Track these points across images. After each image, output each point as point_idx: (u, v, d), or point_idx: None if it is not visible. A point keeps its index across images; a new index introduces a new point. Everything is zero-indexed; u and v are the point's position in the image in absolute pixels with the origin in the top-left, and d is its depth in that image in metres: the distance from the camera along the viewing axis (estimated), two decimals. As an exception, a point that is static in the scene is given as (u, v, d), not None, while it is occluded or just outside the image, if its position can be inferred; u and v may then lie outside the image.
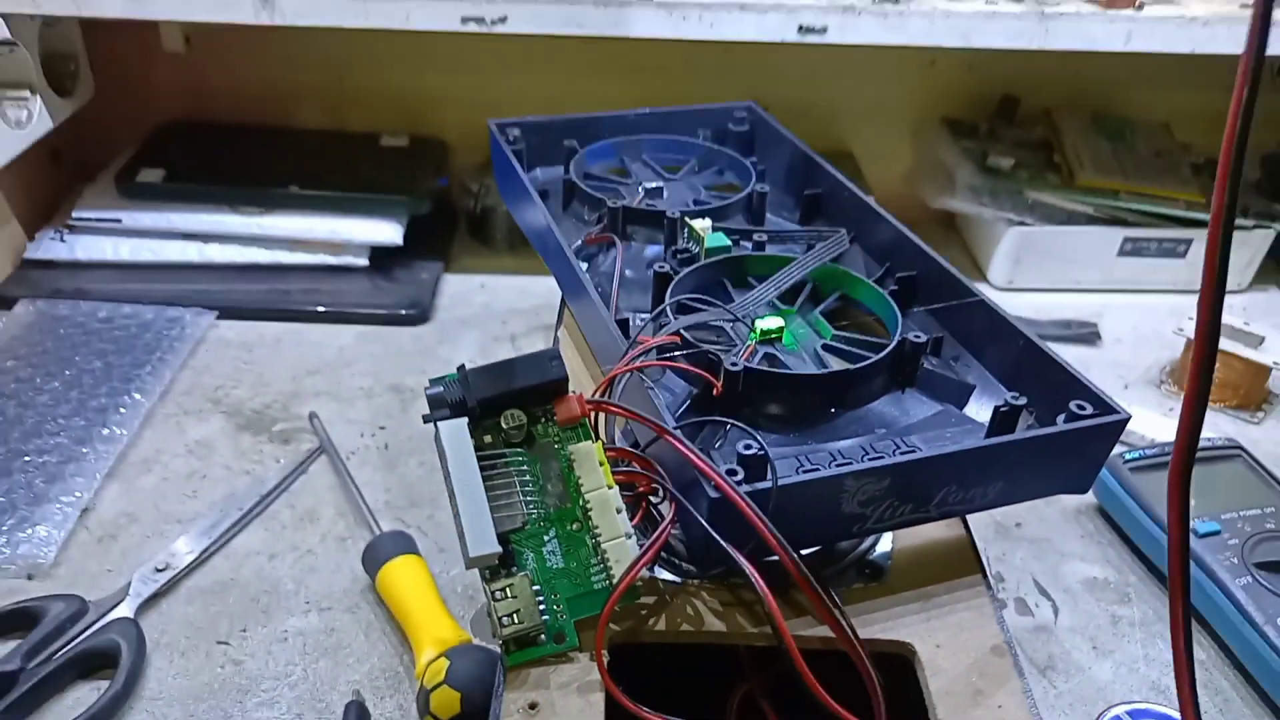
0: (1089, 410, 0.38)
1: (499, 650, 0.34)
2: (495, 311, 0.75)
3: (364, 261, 0.76)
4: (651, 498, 0.37)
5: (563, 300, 0.56)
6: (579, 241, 0.54)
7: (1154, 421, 0.63)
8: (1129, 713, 0.42)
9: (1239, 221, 0.77)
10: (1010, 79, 0.87)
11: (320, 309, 0.72)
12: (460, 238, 0.84)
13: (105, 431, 0.59)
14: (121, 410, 0.61)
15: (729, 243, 0.50)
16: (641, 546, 0.34)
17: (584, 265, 0.50)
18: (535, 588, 0.34)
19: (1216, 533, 0.50)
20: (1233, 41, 0.66)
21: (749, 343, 0.43)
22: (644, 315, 0.45)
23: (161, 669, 0.46)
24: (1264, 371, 0.66)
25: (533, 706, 0.32)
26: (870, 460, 0.36)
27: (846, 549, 0.40)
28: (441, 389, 0.37)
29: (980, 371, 0.45)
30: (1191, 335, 0.64)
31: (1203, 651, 0.49)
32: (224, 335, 0.70)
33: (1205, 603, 0.49)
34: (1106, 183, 0.78)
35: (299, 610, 0.49)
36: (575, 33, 0.65)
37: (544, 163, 0.62)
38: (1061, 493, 0.40)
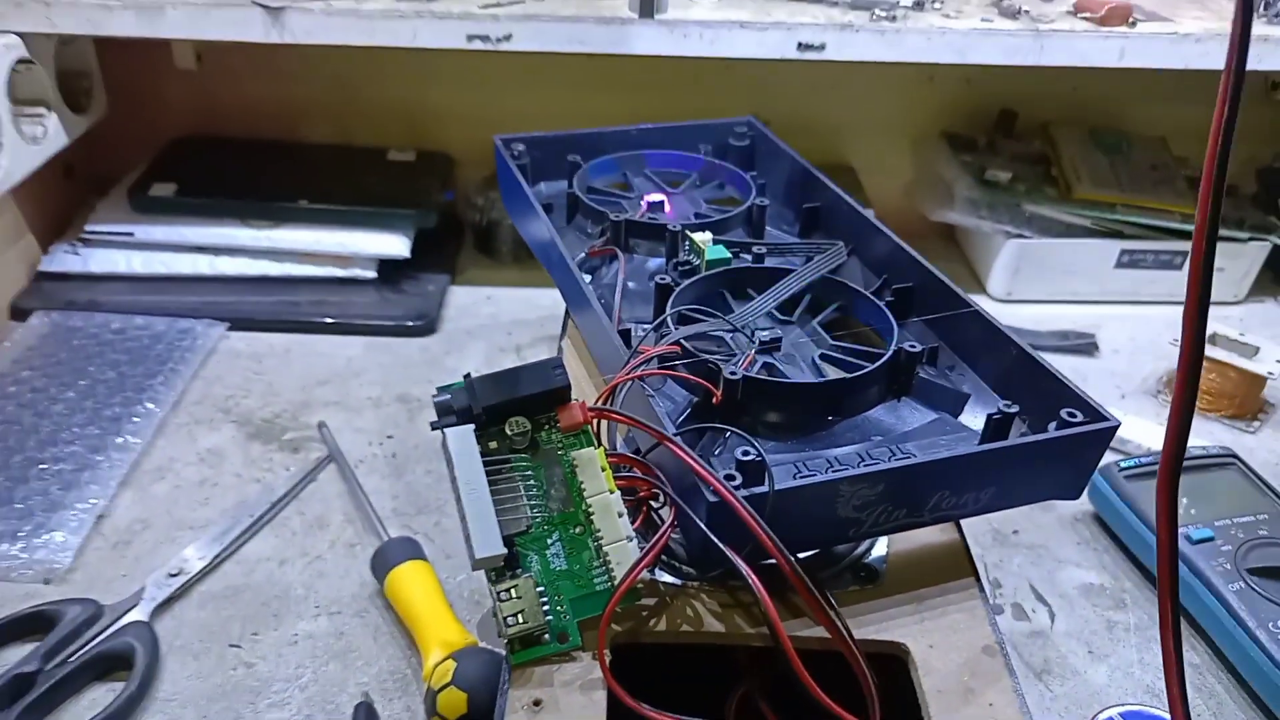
0: (1079, 417, 0.39)
1: (504, 649, 0.35)
2: (501, 323, 0.76)
3: (372, 274, 0.77)
4: (652, 502, 0.38)
5: (566, 311, 0.57)
6: (582, 254, 0.55)
7: (1150, 430, 0.64)
8: (1122, 714, 0.43)
9: (1235, 234, 0.79)
10: (1008, 94, 0.88)
11: (329, 320, 0.74)
12: (466, 251, 0.86)
13: (119, 440, 0.60)
14: (135, 419, 0.62)
15: (729, 255, 0.51)
16: (642, 549, 0.35)
17: (587, 277, 0.51)
18: (539, 589, 0.35)
19: (1210, 539, 0.51)
20: (1224, 57, 0.67)
21: (748, 352, 0.44)
22: (645, 325, 0.46)
23: (175, 671, 0.47)
24: (1259, 381, 0.66)
25: (537, 703, 0.33)
26: (865, 466, 0.37)
27: (842, 553, 0.41)
28: (448, 397, 0.38)
29: (975, 380, 0.46)
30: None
31: (1196, 656, 0.50)
32: (235, 346, 0.71)
33: (1199, 607, 0.50)
34: (1104, 196, 0.80)
35: (309, 614, 0.50)
36: (579, 50, 0.66)
37: (548, 177, 0.63)
38: (1053, 498, 0.41)
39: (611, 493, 0.36)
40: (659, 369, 0.42)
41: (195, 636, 0.49)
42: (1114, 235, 0.79)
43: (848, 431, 0.43)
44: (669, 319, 0.46)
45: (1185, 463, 0.57)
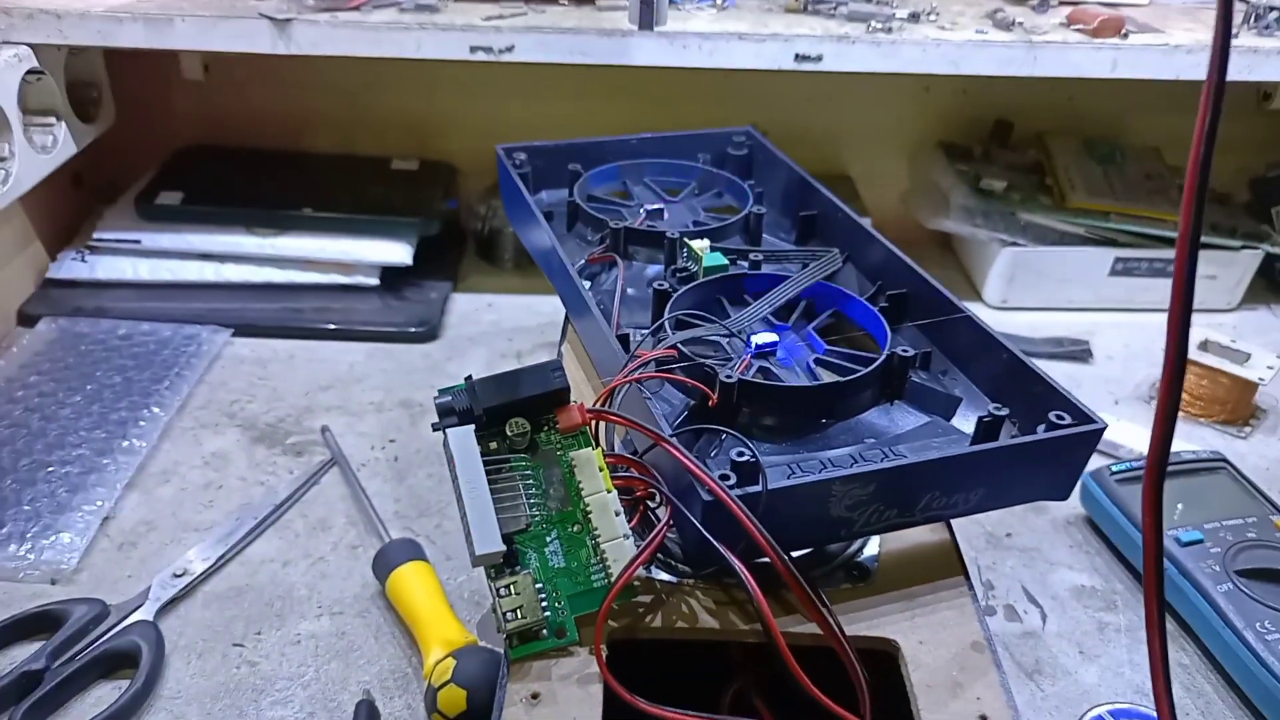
0: (1067, 420, 0.40)
1: (503, 644, 0.36)
2: (502, 329, 0.77)
3: (375, 281, 0.78)
4: (649, 502, 0.39)
5: (566, 318, 0.58)
6: (582, 261, 0.56)
7: (1142, 436, 0.64)
8: (1110, 712, 0.44)
9: (1228, 242, 0.80)
10: (1004, 104, 0.89)
11: (332, 327, 0.75)
12: (468, 258, 0.87)
13: (125, 444, 0.61)
14: (141, 423, 0.63)
15: (726, 262, 0.52)
16: (638, 547, 0.36)
17: (587, 283, 0.52)
18: (538, 585, 0.36)
19: (1199, 541, 0.52)
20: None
21: (744, 356, 0.45)
22: (644, 330, 0.47)
23: (180, 669, 0.48)
24: (1250, 387, 0.67)
25: (534, 696, 0.34)
26: (856, 466, 0.38)
27: (835, 551, 0.42)
28: (450, 398, 0.39)
29: (967, 385, 0.47)
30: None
31: (1185, 657, 0.50)
32: (239, 352, 0.72)
33: (1188, 608, 0.50)
34: (1097, 204, 0.81)
35: (311, 614, 0.51)
36: (580, 61, 0.68)
37: (549, 185, 0.64)
38: (1042, 499, 0.42)
39: (609, 492, 0.37)
40: (656, 372, 0.42)
41: (199, 636, 0.49)
42: (1108, 243, 0.80)
43: (842, 434, 0.44)
44: (666, 324, 0.47)
45: (1176, 467, 0.58)
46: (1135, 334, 0.78)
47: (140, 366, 0.68)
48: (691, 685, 0.38)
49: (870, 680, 0.35)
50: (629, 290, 0.53)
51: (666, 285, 0.49)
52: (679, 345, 0.44)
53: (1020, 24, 0.70)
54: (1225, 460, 0.59)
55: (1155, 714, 0.33)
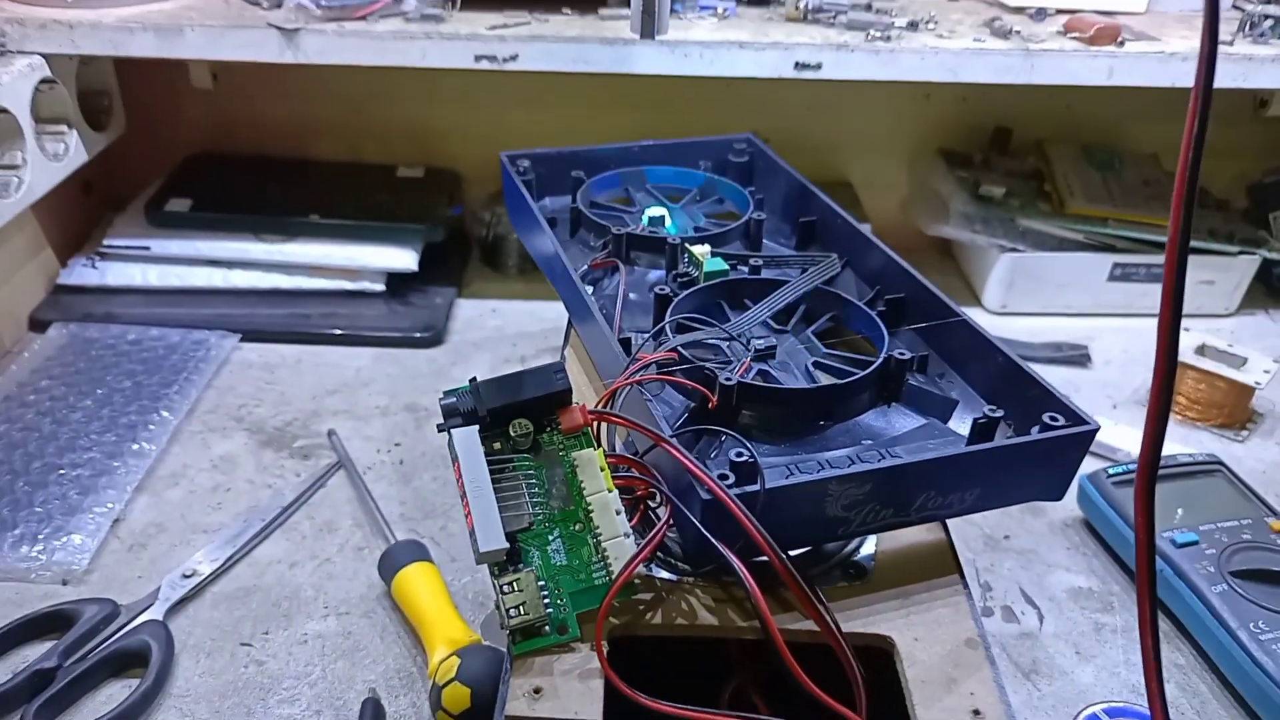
0: (1061, 421, 0.41)
1: (506, 640, 0.37)
2: (506, 335, 0.78)
3: (380, 287, 0.79)
4: (649, 501, 0.40)
5: (569, 323, 0.59)
6: (585, 266, 0.57)
7: (1138, 439, 0.65)
8: (1105, 710, 0.44)
9: (1225, 248, 0.80)
10: (1003, 112, 0.90)
11: (338, 332, 0.75)
12: (473, 264, 0.88)
13: (135, 447, 0.62)
14: (150, 427, 0.64)
15: (727, 267, 0.53)
16: (639, 545, 0.37)
17: (589, 288, 0.53)
18: (540, 582, 0.37)
19: (1194, 543, 0.52)
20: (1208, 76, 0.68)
21: (744, 359, 0.46)
22: (645, 334, 0.48)
23: (189, 668, 0.48)
24: (1247, 391, 0.68)
25: (537, 691, 0.35)
26: (852, 466, 0.38)
27: (832, 550, 0.42)
28: (455, 399, 0.40)
29: (963, 387, 0.48)
30: (1179, 357, 0.67)
31: (1181, 657, 0.51)
32: (247, 357, 0.73)
33: (1183, 609, 0.51)
34: (1096, 210, 0.81)
35: (318, 614, 0.52)
36: (582, 69, 0.68)
37: (553, 192, 0.65)
38: (1036, 499, 0.42)
39: (610, 492, 0.38)
40: (657, 374, 0.43)
41: (208, 635, 0.50)
42: (1106, 249, 0.81)
43: (840, 436, 0.44)
44: (667, 327, 0.47)
45: (1172, 470, 0.58)
46: (1133, 339, 0.79)
47: (149, 371, 0.69)
48: (691, 682, 0.38)
49: (866, 676, 0.35)
50: (631, 295, 0.54)
51: (668, 290, 0.50)
52: (679, 348, 0.45)
53: (1018, 32, 0.71)
54: (1221, 463, 0.59)
55: (1149, 712, 0.34)
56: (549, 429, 0.40)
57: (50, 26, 0.66)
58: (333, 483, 0.61)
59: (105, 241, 0.79)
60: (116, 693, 0.47)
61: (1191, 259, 0.87)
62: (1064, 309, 0.82)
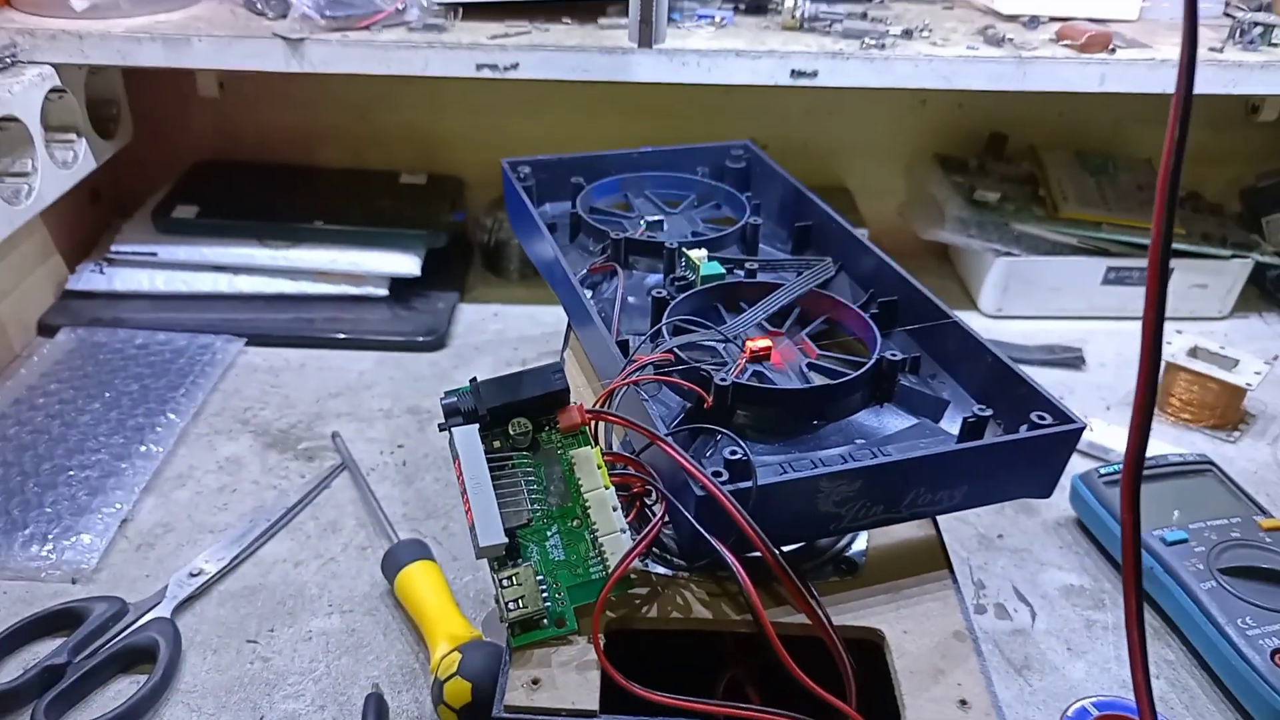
0: (1048, 420, 0.42)
1: (505, 633, 0.38)
2: (507, 338, 0.79)
3: (384, 292, 0.80)
4: (645, 498, 0.41)
5: (569, 326, 0.60)
6: (584, 270, 0.58)
7: (1132, 440, 0.66)
8: (1094, 704, 0.45)
9: (1219, 251, 0.81)
10: (998, 118, 0.91)
11: (342, 336, 0.77)
12: (475, 269, 0.89)
13: (142, 449, 0.63)
14: (157, 429, 0.65)
15: (723, 270, 0.54)
16: (635, 540, 0.38)
17: (588, 292, 0.54)
18: (539, 577, 0.38)
19: (1184, 541, 0.53)
20: (1202, 82, 0.69)
21: (738, 360, 0.47)
22: (642, 336, 0.49)
23: (196, 665, 0.49)
24: (1239, 393, 0.69)
25: (535, 682, 0.36)
26: (843, 464, 0.39)
27: (825, 546, 0.43)
28: (455, 399, 0.41)
29: (955, 388, 0.49)
30: (1171, 359, 0.68)
31: (1171, 653, 0.52)
32: (252, 361, 0.74)
33: (1173, 606, 0.52)
34: (1090, 215, 0.82)
35: (322, 612, 0.53)
36: (582, 78, 0.70)
37: (553, 198, 0.67)
38: (1025, 496, 0.43)
39: (607, 489, 0.39)
40: (653, 375, 0.44)
41: (215, 632, 0.51)
42: (1100, 253, 0.82)
43: (833, 435, 0.45)
44: (664, 330, 0.48)
45: (1164, 470, 0.59)
46: (1127, 342, 0.80)
47: (156, 375, 0.70)
48: (686, 674, 0.39)
49: (856, 668, 0.36)
50: (629, 298, 0.55)
51: (665, 293, 0.51)
52: (676, 350, 0.46)
53: (1010, 40, 0.72)
54: (1211, 463, 0.60)
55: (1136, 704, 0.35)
56: (547, 428, 0.41)
57: (60, 37, 0.68)
58: (336, 484, 0.62)
59: (113, 247, 0.80)
60: (125, 688, 0.48)
61: (1185, 263, 0.88)
62: (1058, 312, 0.83)
